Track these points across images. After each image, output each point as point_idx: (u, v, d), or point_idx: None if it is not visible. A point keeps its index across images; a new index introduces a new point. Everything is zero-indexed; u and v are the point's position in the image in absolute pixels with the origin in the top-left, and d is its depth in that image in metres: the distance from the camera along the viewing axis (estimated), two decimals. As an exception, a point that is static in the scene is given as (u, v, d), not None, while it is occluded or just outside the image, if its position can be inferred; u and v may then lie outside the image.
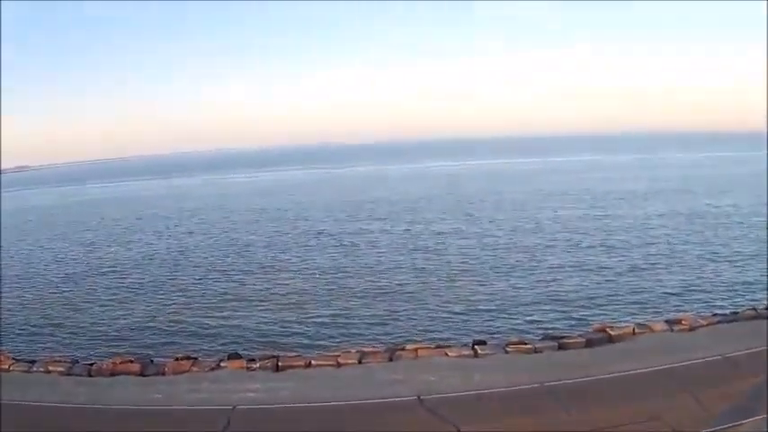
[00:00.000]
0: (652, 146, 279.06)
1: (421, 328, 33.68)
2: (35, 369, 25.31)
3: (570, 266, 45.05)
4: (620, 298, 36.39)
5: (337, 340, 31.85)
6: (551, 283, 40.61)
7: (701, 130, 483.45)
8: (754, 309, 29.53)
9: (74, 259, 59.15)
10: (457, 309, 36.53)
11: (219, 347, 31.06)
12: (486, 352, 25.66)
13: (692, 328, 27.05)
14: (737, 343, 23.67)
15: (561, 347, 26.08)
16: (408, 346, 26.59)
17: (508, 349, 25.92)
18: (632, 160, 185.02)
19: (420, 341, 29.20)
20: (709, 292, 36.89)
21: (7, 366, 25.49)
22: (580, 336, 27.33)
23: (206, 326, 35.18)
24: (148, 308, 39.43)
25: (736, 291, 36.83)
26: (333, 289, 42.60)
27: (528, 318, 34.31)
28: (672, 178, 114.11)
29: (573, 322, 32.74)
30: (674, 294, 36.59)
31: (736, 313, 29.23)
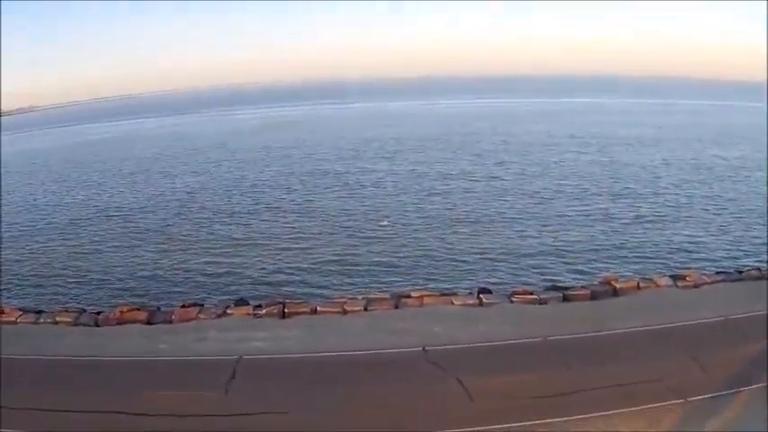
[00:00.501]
0: (654, 91, 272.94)
1: (426, 273, 33.75)
2: (42, 320, 25.43)
3: (577, 214, 44.79)
4: (625, 250, 36.16)
5: (342, 286, 32.00)
6: (557, 232, 40.44)
7: (701, 78, 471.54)
8: (759, 269, 29.32)
9: (78, 204, 58.65)
10: (462, 254, 36.54)
11: (226, 293, 31.21)
12: (492, 301, 25.80)
13: (696, 286, 27.02)
14: (740, 305, 23.61)
15: (566, 299, 26.17)
16: (414, 294, 26.70)
17: (513, 299, 26.04)
18: (636, 104, 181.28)
19: (425, 287, 29.49)
20: (714, 249, 36.51)
21: (14, 318, 25.60)
22: (585, 287, 27.33)
23: (212, 271, 35.33)
24: (154, 253, 39.49)
25: (741, 249, 36.45)
26: (337, 232, 42.58)
27: (533, 266, 34.29)
28: (676, 125, 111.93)
29: (578, 272, 32.75)
30: (679, 248, 36.35)
31: (740, 272, 29.03)
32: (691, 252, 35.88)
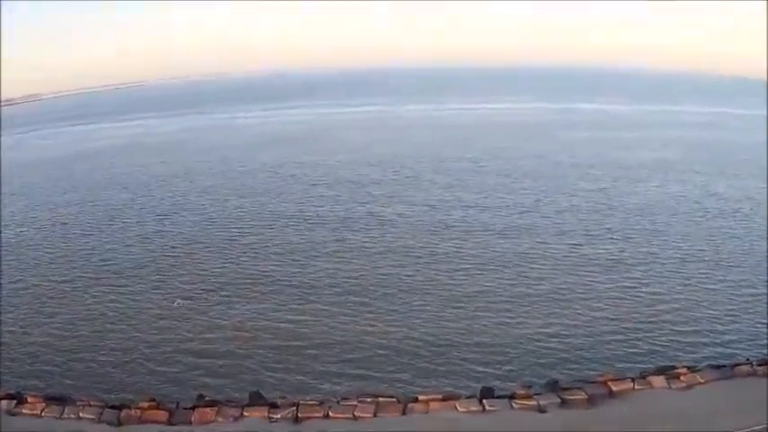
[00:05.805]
0: (659, 92, 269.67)
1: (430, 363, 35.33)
2: (66, 415, 26.76)
3: (572, 289, 44.39)
4: (622, 339, 36.83)
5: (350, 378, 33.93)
6: (547, 313, 40.79)
7: (706, 74, 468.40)
8: (750, 363, 30.21)
9: (76, 252, 57.01)
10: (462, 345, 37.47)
11: (240, 382, 33.19)
12: (494, 408, 27.41)
13: (689, 386, 28.53)
14: (731, 414, 24.91)
15: (564, 402, 27.81)
16: (420, 397, 28.40)
17: (514, 405, 27.65)
18: (641, 113, 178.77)
19: (429, 388, 31.50)
20: (711, 330, 37.13)
21: (39, 411, 26.85)
22: (581, 388, 28.79)
23: (221, 355, 36.81)
24: (160, 321, 40.55)
25: (739, 330, 37.06)
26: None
27: (531, 355, 35.60)
28: (684, 144, 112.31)
29: (574, 363, 34.39)
30: (675, 332, 37.13)
31: (733, 367, 29.99)
32: (686, 338, 36.63)
